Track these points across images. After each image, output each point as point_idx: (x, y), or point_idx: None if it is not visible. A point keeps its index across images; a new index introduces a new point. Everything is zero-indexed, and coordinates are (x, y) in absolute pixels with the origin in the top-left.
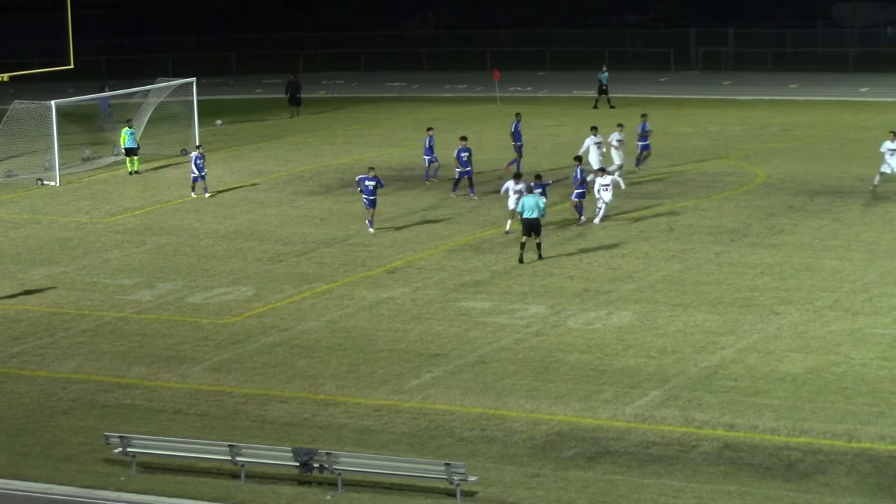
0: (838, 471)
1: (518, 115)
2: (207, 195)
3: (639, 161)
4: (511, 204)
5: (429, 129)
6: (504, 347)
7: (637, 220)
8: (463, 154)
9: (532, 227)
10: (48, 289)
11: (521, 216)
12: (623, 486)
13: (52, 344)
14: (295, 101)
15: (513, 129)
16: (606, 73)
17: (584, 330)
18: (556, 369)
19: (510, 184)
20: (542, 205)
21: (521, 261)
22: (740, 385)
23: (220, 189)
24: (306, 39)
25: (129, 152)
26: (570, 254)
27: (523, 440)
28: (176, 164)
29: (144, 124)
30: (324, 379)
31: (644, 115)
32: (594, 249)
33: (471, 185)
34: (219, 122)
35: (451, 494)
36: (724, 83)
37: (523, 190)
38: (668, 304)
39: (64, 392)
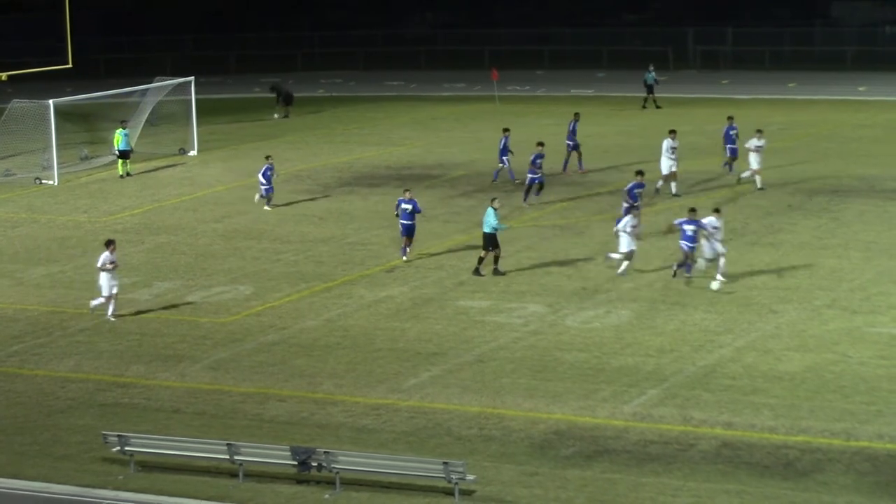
0: (836, 469)
1: (577, 114)
2: (268, 208)
3: (727, 163)
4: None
5: (505, 129)
6: (502, 346)
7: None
8: (538, 160)
9: (489, 242)
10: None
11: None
12: (621, 485)
13: (51, 343)
14: (286, 101)
15: (571, 129)
16: (653, 73)
17: (582, 329)
18: (554, 368)
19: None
20: (493, 221)
21: (477, 273)
22: (738, 384)
23: (219, 188)
24: (305, 39)
25: (122, 154)
26: (568, 253)
27: (521, 439)
28: (174, 164)
29: (142, 124)
30: (322, 378)
31: (730, 118)
32: (591, 248)
33: (539, 190)
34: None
35: (450, 493)
36: (723, 82)
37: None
38: (666, 303)
39: (62, 391)
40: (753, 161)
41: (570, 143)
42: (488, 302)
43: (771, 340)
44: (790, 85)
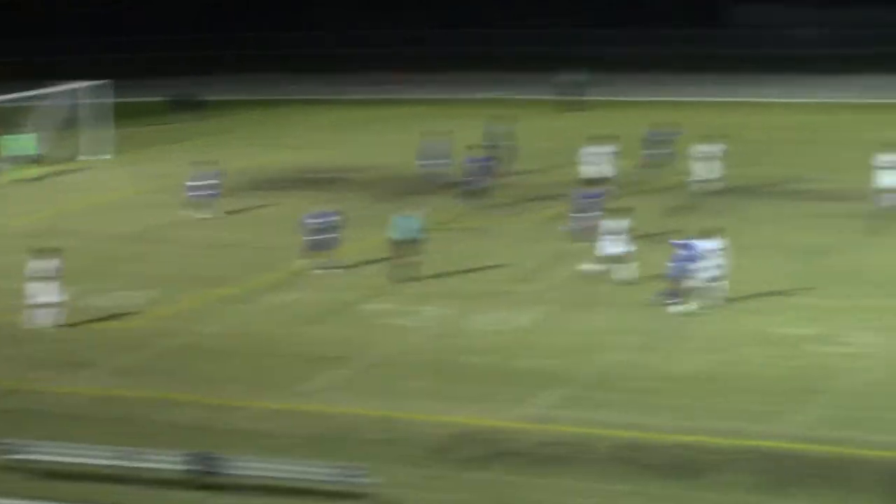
0: (734, 469)
1: (502, 117)
2: (203, 215)
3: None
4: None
5: (430, 132)
6: (405, 350)
7: (535, 224)
8: (477, 164)
9: (403, 247)
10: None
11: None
12: (522, 487)
13: None
14: (197, 106)
15: (497, 132)
16: (578, 76)
17: (485, 331)
18: (456, 371)
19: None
20: (415, 226)
21: (393, 278)
22: (639, 385)
23: (128, 192)
24: (220, 41)
25: (27, 160)
26: (475, 256)
27: (423, 442)
28: (83, 168)
29: (52, 128)
30: (224, 382)
31: (657, 124)
32: (497, 251)
33: (473, 195)
34: None
35: (351, 497)
36: (621, 85)
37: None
38: (569, 305)
39: None
40: (702, 167)
41: (494, 145)
42: (394, 305)
43: (672, 341)
44: (695, 87)
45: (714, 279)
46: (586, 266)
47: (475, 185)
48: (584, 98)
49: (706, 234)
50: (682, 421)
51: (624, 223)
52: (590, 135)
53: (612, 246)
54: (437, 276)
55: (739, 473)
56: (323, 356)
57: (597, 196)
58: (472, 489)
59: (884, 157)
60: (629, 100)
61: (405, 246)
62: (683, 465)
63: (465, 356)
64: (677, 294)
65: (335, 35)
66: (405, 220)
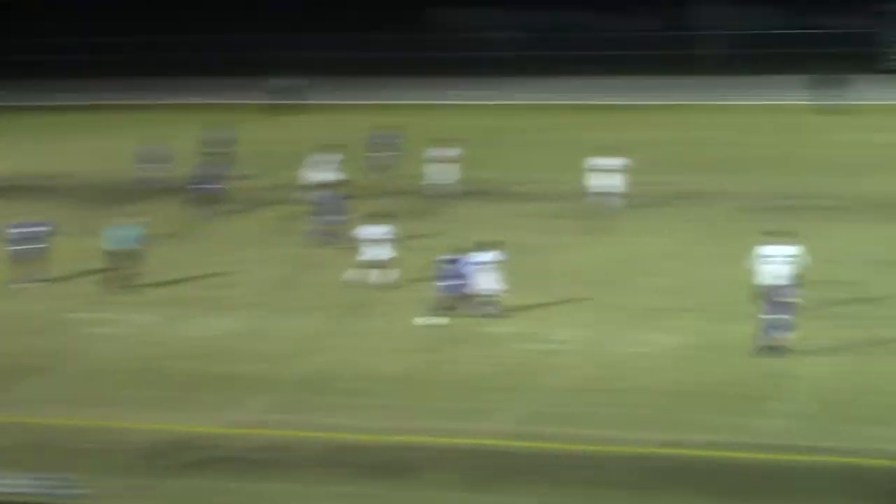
0: (444, 467)
1: (213, 123)
2: None
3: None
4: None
5: (146, 138)
6: (115, 358)
7: (258, 229)
8: (212, 171)
9: (119, 258)
10: None
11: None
12: (234, 493)
13: None
14: None
15: (218, 138)
16: (294, 81)
17: (193, 337)
18: (166, 378)
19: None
20: (133, 235)
21: (108, 288)
22: (349, 387)
23: None
24: None
25: None
26: (194, 262)
27: (133, 450)
28: None
29: None
30: None
31: (384, 127)
32: (204, 256)
33: (214, 202)
34: None
35: None
36: (333, 89)
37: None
38: (278, 309)
39: None
40: (436, 170)
41: (213, 151)
42: (106, 315)
43: (381, 342)
44: (407, 91)
45: (486, 291)
46: (350, 274)
47: (198, 190)
48: (299, 102)
49: (480, 247)
50: (391, 421)
51: (378, 229)
52: (309, 138)
53: (370, 251)
54: (155, 284)
55: (450, 471)
56: (29, 367)
57: (334, 200)
58: (183, 497)
59: (594, 161)
60: (342, 103)
61: (123, 255)
62: (394, 464)
63: (175, 363)
64: (451, 307)
65: (42, 41)
66: (123, 230)
